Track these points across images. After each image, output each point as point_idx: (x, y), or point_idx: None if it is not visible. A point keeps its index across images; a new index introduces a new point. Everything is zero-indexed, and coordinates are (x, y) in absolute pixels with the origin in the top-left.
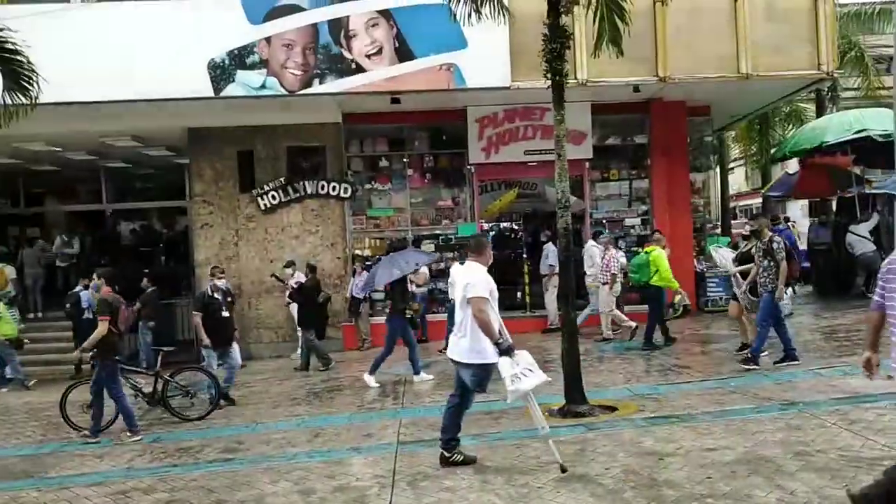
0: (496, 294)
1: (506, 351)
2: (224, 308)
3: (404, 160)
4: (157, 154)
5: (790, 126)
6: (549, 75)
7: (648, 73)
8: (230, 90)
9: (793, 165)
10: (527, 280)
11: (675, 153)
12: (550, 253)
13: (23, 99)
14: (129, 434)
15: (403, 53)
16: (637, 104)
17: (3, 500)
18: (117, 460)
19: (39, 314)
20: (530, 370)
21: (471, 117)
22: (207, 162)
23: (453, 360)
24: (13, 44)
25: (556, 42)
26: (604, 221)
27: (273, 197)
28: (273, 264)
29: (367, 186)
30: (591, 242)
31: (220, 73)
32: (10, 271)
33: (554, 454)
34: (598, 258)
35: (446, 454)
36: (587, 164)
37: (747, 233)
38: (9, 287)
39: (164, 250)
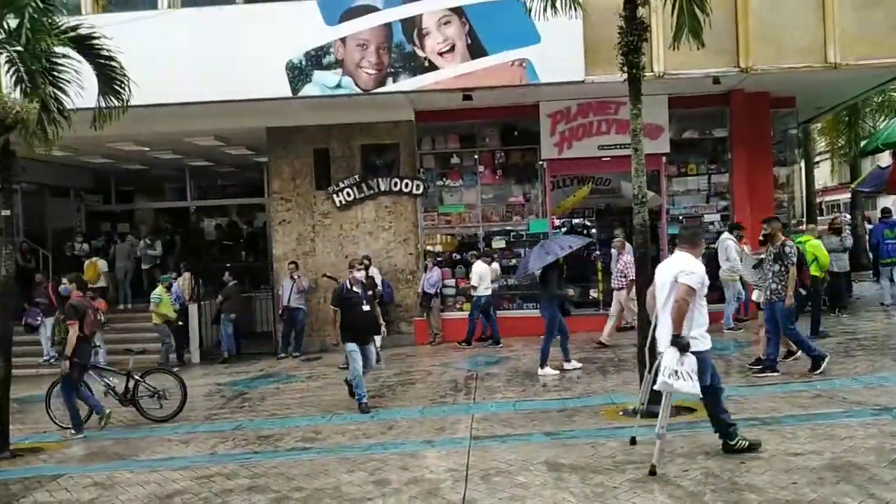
0: (705, 290)
1: (680, 346)
2: (364, 302)
3: (475, 156)
4: (237, 153)
5: (882, 117)
6: (625, 69)
7: (729, 64)
8: (307, 90)
9: (885, 159)
10: (600, 277)
11: (758, 147)
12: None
13: (115, 102)
14: (73, 432)
15: (475, 50)
16: (716, 96)
17: (101, 479)
18: (201, 446)
19: (129, 306)
20: (691, 376)
21: (543, 112)
22: (285, 160)
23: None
24: (107, 50)
25: (633, 34)
26: (681, 218)
27: (348, 194)
28: (348, 260)
29: (439, 183)
30: (725, 234)
31: (298, 73)
32: (102, 265)
33: (654, 455)
34: (734, 251)
35: (729, 442)
36: (664, 158)
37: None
38: (101, 280)
39: (245, 245)
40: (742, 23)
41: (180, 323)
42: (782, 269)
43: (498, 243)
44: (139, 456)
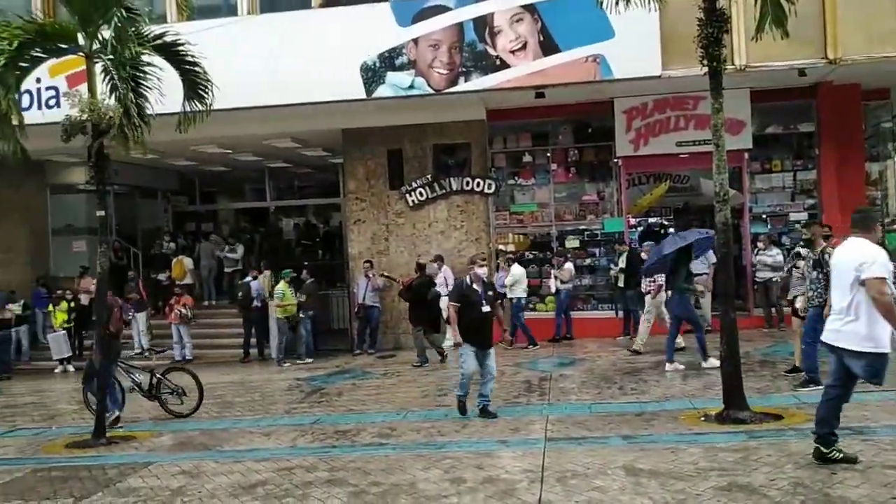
0: (891, 276)
1: None
2: (483, 301)
3: (548, 155)
4: (314, 154)
5: None
6: (705, 62)
7: (816, 55)
8: (381, 91)
9: None
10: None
11: (848, 141)
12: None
13: (200, 106)
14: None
15: (548, 47)
16: (802, 89)
17: (188, 468)
18: (282, 439)
19: (213, 302)
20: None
21: (618, 109)
22: (360, 161)
23: (835, 347)
24: (192, 56)
25: (713, 26)
26: (765, 216)
27: (420, 194)
28: (421, 259)
29: (511, 182)
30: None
31: (372, 75)
32: (187, 262)
33: None
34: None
35: (823, 450)
36: (746, 154)
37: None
38: (187, 277)
39: (322, 244)
40: (830, 10)
41: (301, 315)
42: (820, 276)
43: (571, 242)
44: (223, 447)
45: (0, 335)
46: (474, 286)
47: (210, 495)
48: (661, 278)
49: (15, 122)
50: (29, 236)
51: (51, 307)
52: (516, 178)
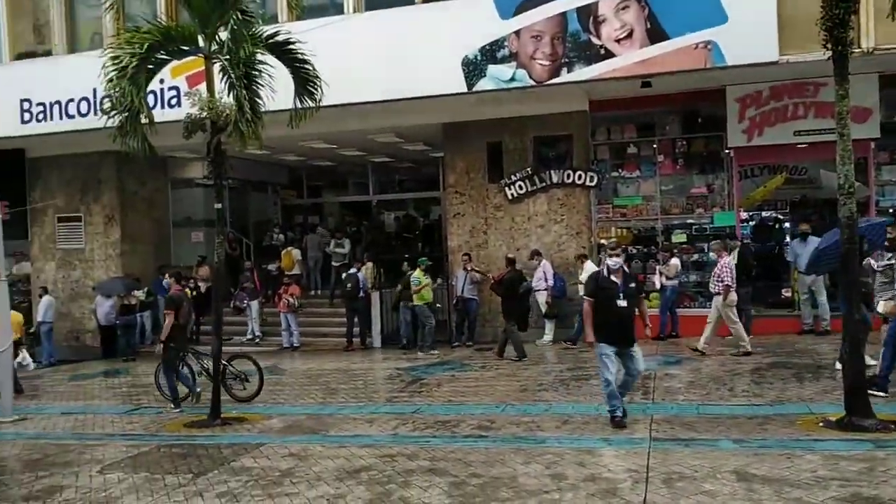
0: None
1: None
2: (621, 294)
3: (654, 146)
4: (415, 148)
5: None
6: (829, 46)
7: None
8: (482, 84)
9: None
10: (794, 275)
11: None
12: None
13: (310, 102)
14: (171, 406)
15: (655, 34)
16: None
17: (296, 450)
18: (384, 427)
19: (318, 292)
20: None
21: (730, 97)
22: (459, 154)
23: None
24: (302, 54)
25: (840, 7)
26: (892, 210)
27: (520, 187)
28: (519, 252)
29: (614, 174)
30: None
31: (473, 68)
32: (296, 254)
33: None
34: None
35: None
36: (873, 144)
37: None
38: (296, 268)
39: (422, 237)
40: None
41: (438, 305)
42: None
43: (678, 237)
44: (329, 431)
45: (125, 320)
46: (612, 278)
47: (316, 478)
48: (728, 278)
49: (144, 121)
50: (152, 228)
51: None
52: (620, 170)
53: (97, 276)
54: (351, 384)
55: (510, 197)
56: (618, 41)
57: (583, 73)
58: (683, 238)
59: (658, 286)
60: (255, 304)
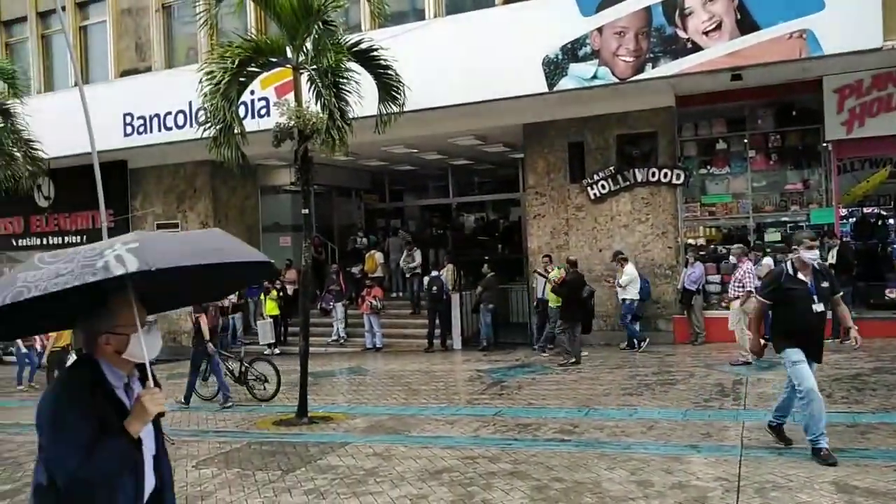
0: None
1: None
2: (816, 297)
3: (745, 141)
4: (494, 150)
5: None
6: None
7: None
8: (563, 84)
9: None
10: None
11: None
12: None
13: (393, 107)
14: (181, 401)
15: (746, 25)
16: None
17: (380, 450)
18: (465, 428)
19: (400, 294)
20: None
21: (827, 88)
22: (540, 155)
23: None
24: (385, 60)
25: None
26: None
27: (602, 186)
28: (602, 253)
29: (702, 171)
30: None
31: (554, 68)
32: (379, 257)
33: None
34: None
35: None
36: None
37: None
38: (378, 270)
39: (501, 239)
40: None
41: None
42: None
43: (772, 236)
44: (411, 432)
45: (222, 320)
46: (800, 276)
47: (400, 478)
48: (750, 283)
49: (237, 131)
50: (244, 233)
51: (262, 296)
52: (708, 167)
53: None
54: (432, 385)
55: (592, 197)
56: (706, 34)
57: (669, 68)
58: (777, 237)
59: (750, 287)
60: (339, 306)
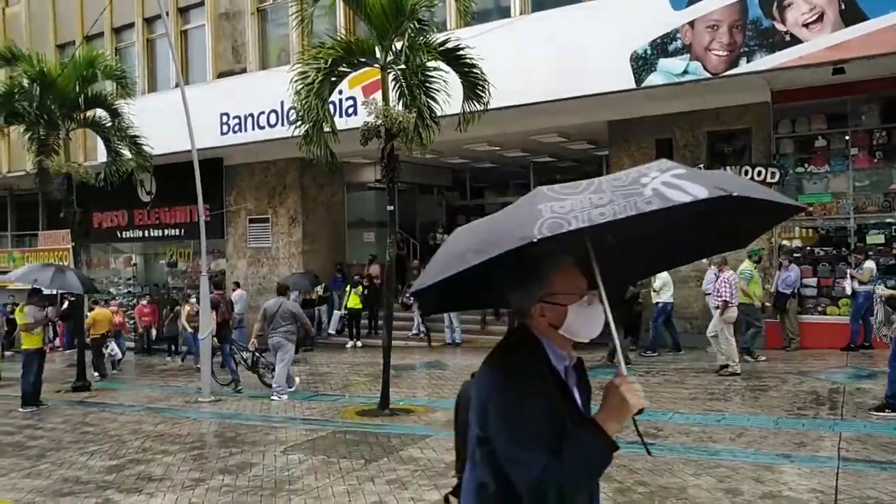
0: None
1: None
2: None
3: (846, 138)
4: (578, 147)
5: None
6: None
7: None
8: (651, 79)
9: None
10: None
11: None
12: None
13: (478, 105)
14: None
15: (850, 16)
16: None
17: None
18: None
19: None
20: None
21: None
22: (626, 152)
23: None
24: (470, 59)
25: None
26: None
27: None
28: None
29: (798, 170)
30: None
31: (642, 63)
32: None
33: None
34: None
35: None
36: None
37: None
38: None
39: None
40: None
41: (766, 304)
42: None
43: (874, 238)
44: None
45: (306, 313)
46: None
47: None
48: (727, 292)
49: (327, 129)
50: (330, 229)
51: (348, 288)
52: (806, 165)
53: (281, 273)
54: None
55: None
56: (806, 26)
57: (765, 62)
58: (881, 239)
59: (849, 292)
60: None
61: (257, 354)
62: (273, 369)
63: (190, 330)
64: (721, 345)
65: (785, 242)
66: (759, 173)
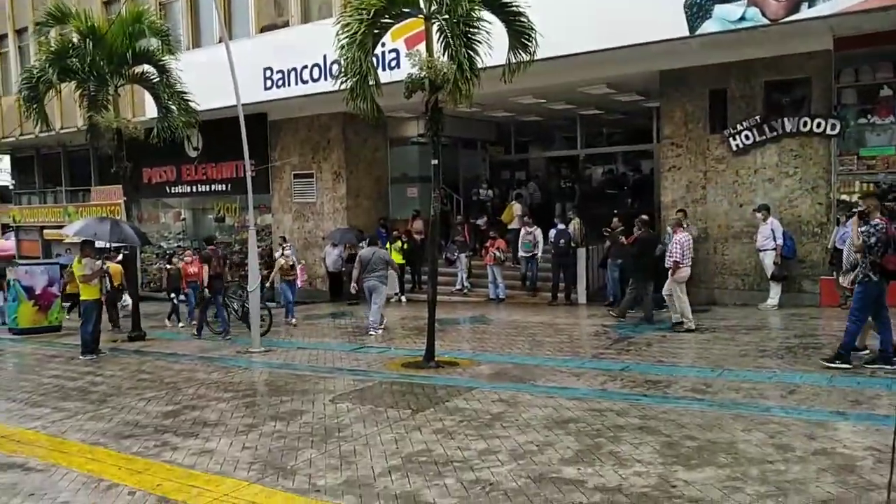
0: None
1: None
2: None
3: None
4: (627, 99)
5: None
6: None
7: None
8: (706, 27)
9: None
10: None
11: None
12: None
13: (524, 56)
14: (194, 334)
15: None
16: None
17: (506, 397)
18: (591, 381)
19: None
20: None
21: None
22: (678, 104)
23: None
24: (517, 6)
25: None
26: None
27: (746, 137)
28: (742, 209)
29: (861, 121)
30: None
31: (696, 10)
32: (517, 208)
33: None
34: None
35: None
36: None
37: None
38: (514, 222)
39: (631, 193)
40: None
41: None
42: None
43: None
44: (536, 381)
45: (351, 267)
46: None
47: (526, 424)
48: (678, 253)
49: (371, 83)
50: (373, 184)
51: (388, 245)
52: (868, 116)
53: (326, 227)
54: (556, 338)
55: (734, 148)
56: None
57: (829, 6)
58: None
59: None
60: (463, 257)
61: (246, 306)
62: (262, 319)
63: (282, 282)
64: (675, 303)
65: (844, 197)
66: (819, 125)
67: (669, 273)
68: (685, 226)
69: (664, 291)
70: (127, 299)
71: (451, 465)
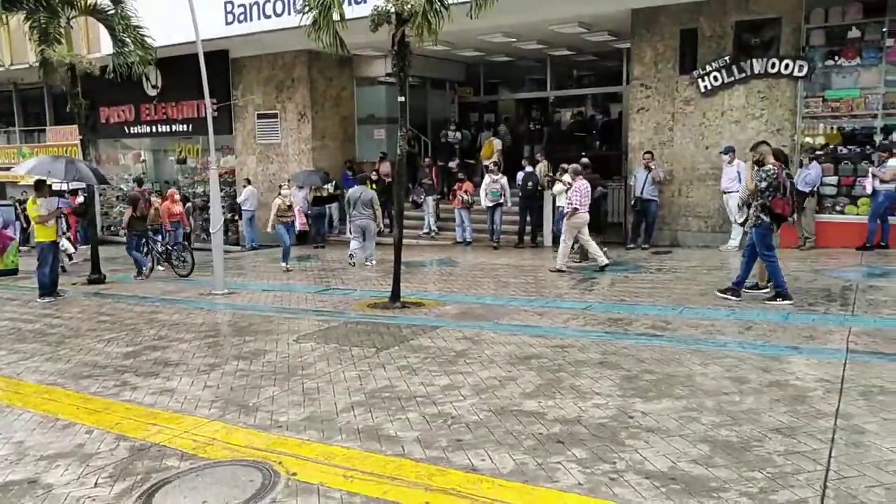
0: None
1: None
2: None
3: (883, 29)
4: (598, 39)
5: None
6: None
7: None
8: None
9: None
10: None
11: None
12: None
13: None
14: (135, 275)
15: None
16: None
17: (470, 335)
18: (554, 320)
19: None
20: None
21: None
22: (648, 43)
23: None
24: None
25: None
26: None
27: (714, 78)
28: (708, 151)
29: (828, 63)
30: None
31: None
32: (497, 143)
33: None
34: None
35: None
36: None
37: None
38: (495, 156)
39: (599, 136)
40: None
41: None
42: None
43: None
44: (500, 320)
45: (316, 210)
46: None
47: (489, 360)
48: (577, 201)
49: (336, 17)
50: (339, 124)
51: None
52: (836, 58)
53: (291, 170)
54: (521, 279)
55: (703, 90)
56: None
57: None
58: None
59: (869, 190)
60: (431, 200)
61: (170, 248)
62: (185, 261)
63: (279, 224)
64: (562, 245)
65: (808, 139)
66: (787, 66)
67: (565, 218)
68: (652, 167)
69: (564, 237)
70: (65, 243)
71: (413, 400)
